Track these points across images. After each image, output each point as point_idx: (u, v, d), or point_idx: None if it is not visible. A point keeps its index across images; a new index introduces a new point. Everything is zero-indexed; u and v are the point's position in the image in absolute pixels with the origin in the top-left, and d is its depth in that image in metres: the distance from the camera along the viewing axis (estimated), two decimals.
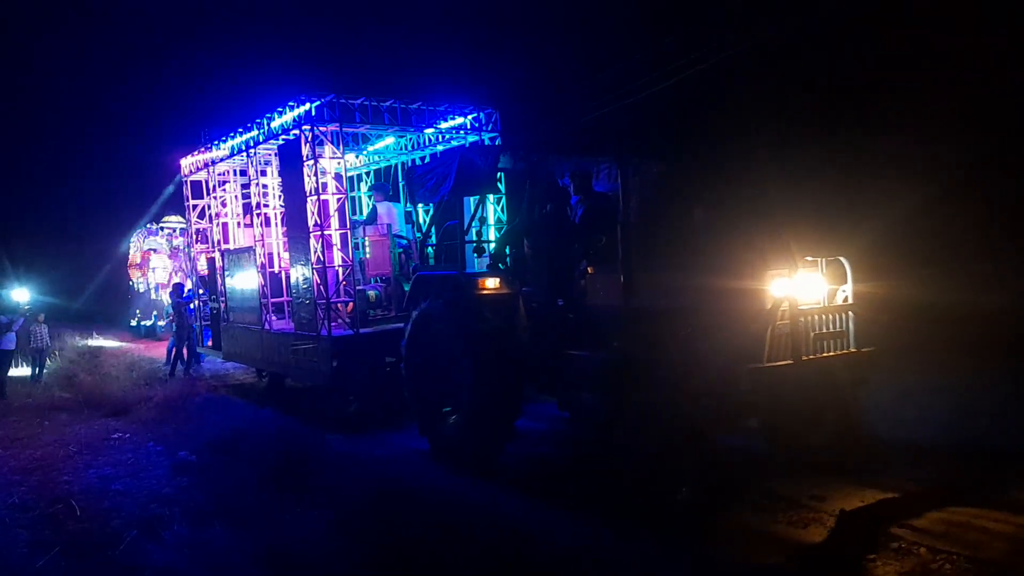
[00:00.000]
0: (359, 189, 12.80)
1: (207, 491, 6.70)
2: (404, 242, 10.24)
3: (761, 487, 5.56)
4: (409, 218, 11.50)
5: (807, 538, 4.78)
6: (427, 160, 9.64)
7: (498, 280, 7.01)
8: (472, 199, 7.84)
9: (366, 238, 10.26)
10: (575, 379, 6.66)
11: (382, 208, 10.77)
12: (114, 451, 8.52)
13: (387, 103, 9.31)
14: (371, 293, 9.84)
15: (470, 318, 6.89)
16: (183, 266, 25.81)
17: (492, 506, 5.99)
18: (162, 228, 26.87)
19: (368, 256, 10.13)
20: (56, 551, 5.40)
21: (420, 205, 9.08)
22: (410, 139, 11.33)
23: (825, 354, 5.30)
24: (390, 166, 12.57)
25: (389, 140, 11.43)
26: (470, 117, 10.18)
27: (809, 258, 5.29)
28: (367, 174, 12.86)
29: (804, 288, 5.22)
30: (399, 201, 11.57)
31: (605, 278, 6.48)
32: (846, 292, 5.50)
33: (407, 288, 10.01)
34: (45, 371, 14.51)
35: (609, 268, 6.46)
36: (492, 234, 10.19)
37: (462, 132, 10.30)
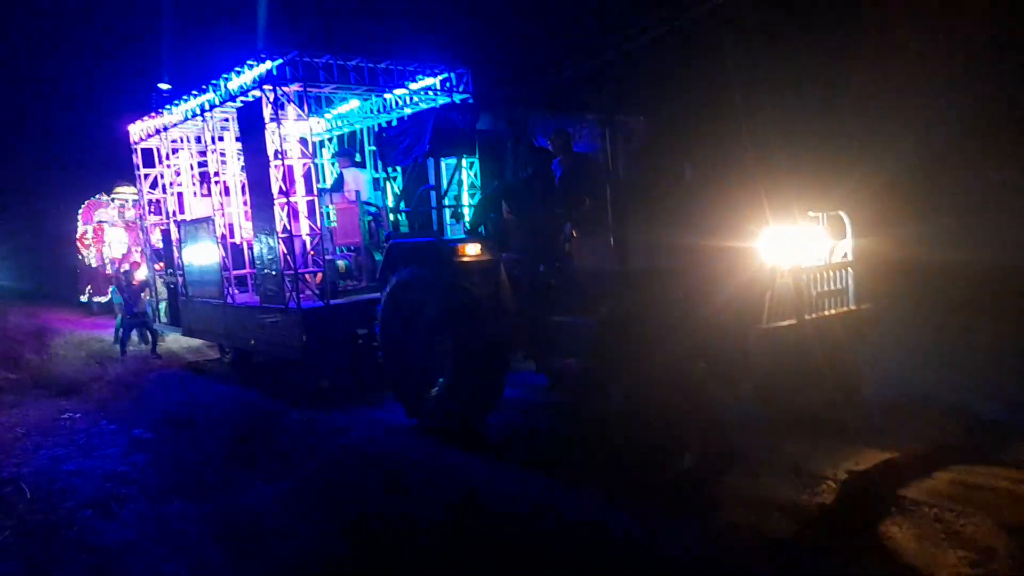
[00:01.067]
0: (322, 156, 12.26)
1: (164, 467, 6.59)
2: (374, 210, 9.82)
3: (760, 452, 5.40)
4: (377, 185, 11.09)
5: (815, 503, 4.63)
6: (398, 122, 9.17)
7: (479, 246, 6.70)
8: (449, 162, 7.46)
9: (332, 206, 9.81)
10: (561, 345, 6.42)
11: (348, 175, 10.31)
12: (66, 431, 8.21)
13: (353, 62, 8.81)
14: (341, 263, 9.43)
15: (450, 287, 6.59)
16: (139, 238, 24.91)
17: (472, 475, 5.82)
18: (113, 199, 25.86)
19: (335, 225, 9.68)
20: (6, 534, 5.25)
21: (390, 171, 8.63)
22: (376, 102, 10.82)
23: (826, 312, 5.13)
24: (354, 132, 12.04)
25: (354, 104, 10.91)
26: (440, 77, 9.72)
27: (811, 213, 5.08)
28: (330, 140, 12.31)
29: (806, 245, 5.02)
30: (365, 167, 11.12)
31: (592, 241, 6.22)
32: (845, 248, 5.32)
33: (379, 257, 9.68)
34: None
35: (595, 231, 6.21)
36: (466, 199, 9.83)
37: (431, 93, 9.84)
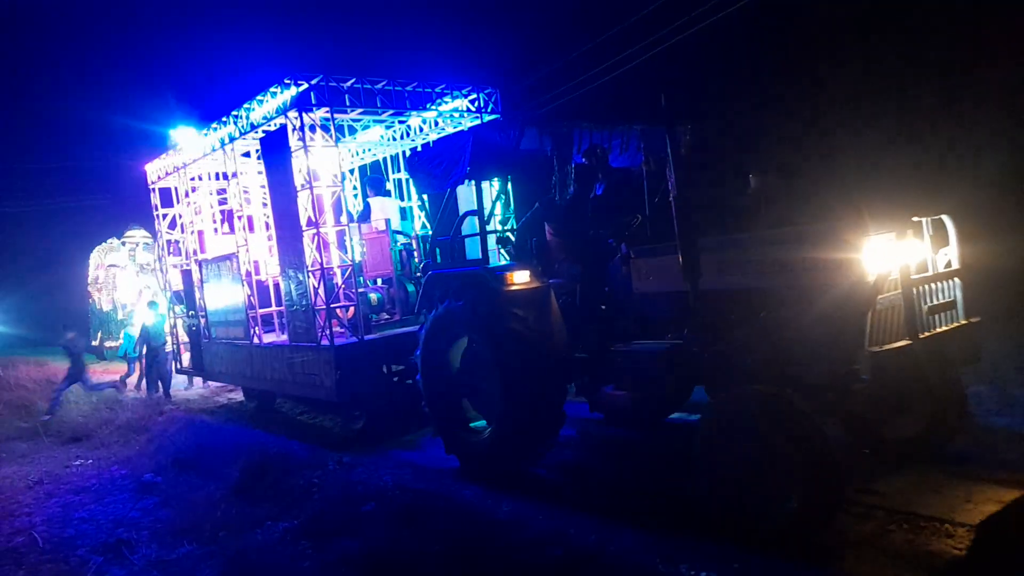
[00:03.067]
0: (343, 186, 11.86)
1: (175, 510, 6.57)
2: (405, 239, 9.36)
3: (862, 488, 4.80)
4: (404, 214, 10.67)
5: (942, 553, 4.02)
6: (430, 146, 8.76)
7: (527, 273, 6.19)
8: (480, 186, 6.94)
9: (361, 237, 9.37)
10: (623, 377, 5.90)
11: (376, 204, 9.88)
12: (76, 478, 8.23)
13: (379, 85, 8.41)
14: (373, 296, 8.94)
15: (499, 318, 6.06)
16: (148, 282, 24.68)
17: (525, 522, 5.26)
18: (124, 243, 25.74)
19: (365, 256, 9.23)
20: None
21: (425, 198, 8.18)
22: (399, 129, 10.45)
23: (938, 329, 4.57)
24: (376, 161, 11.67)
25: (375, 132, 10.54)
26: (467, 100, 9.31)
27: (915, 218, 4.54)
28: (350, 172, 11.94)
29: (911, 254, 4.48)
30: (390, 196, 10.71)
31: (652, 261, 5.72)
32: (948, 256, 4.78)
33: (411, 288, 9.23)
34: None
35: (655, 250, 5.72)
36: (496, 224, 9.37)
37: (457, 115, 9.44)
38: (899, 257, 4.36)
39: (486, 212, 6.95)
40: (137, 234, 26.26)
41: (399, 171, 10.96)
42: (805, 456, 4.18)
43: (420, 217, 10.95)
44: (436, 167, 6.50)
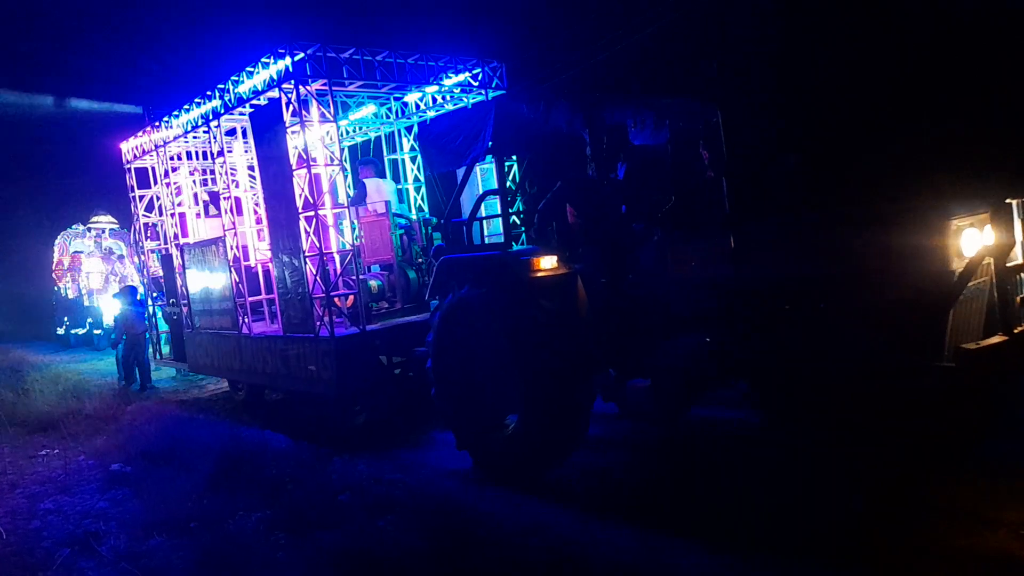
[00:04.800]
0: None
1: (145, 501, 6.37)
2: (405, 222, 8.82)
3: (932, 493, 4.45)
4: (400, 196, 10.12)
5: None
6: (445, 119, 8.19)
7: (554, 258, 5.71)
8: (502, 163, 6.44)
9: (357, 220, 8.80)
10: (658, 371, 5.48)
11: (371, 185, 9.31)
12: (42, 468, 7.99)
13: (380, 56, 7.82)
14: (373, 283, 8.39)
15: (521, 307, 5.58)
16: (115, 269, 23.91)
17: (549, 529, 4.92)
18: (90, 229, 24.93)
19: (362, 240, 8.67)
20: None
21: (414, 181, 7.63)
22: (394, 107, 9.87)
23: None
24: (368, 141, 11.07)
25: (368, 109, 9.95)
26: (466, 74, 8.74)
27: (1008, 200, 4.13)
28: (342, 150, 11.29)
29: (1002, 239, 4.07)
30: (385, 177, 10.13)
31: (692, 247, 5.28)
32: None
33: (412, 276, 8.71)
34: None
35: (687, 235, 5.29)
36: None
37: (458, 90, 8.88)
38: (991, 243, 3.96)
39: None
40: (103, 219, 25.48)
41: (394, 151, 10.37)
42: (867, 453, 3.79)
43: (416, 199, 10.41)
44: (452, 141, 5.98)
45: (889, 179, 4.09)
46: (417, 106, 9.63)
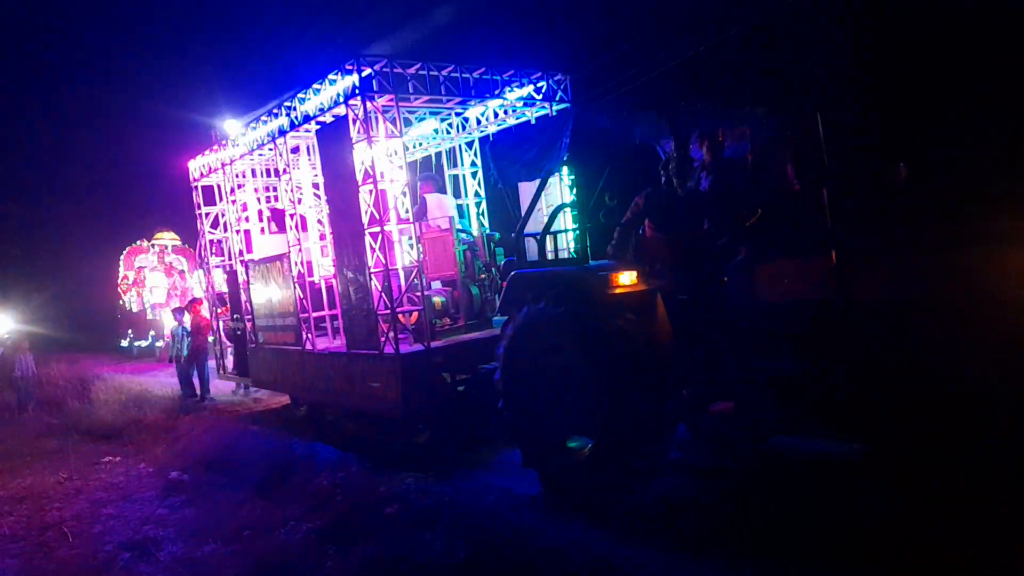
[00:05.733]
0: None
1: (201, 509, 6.62)
2: (469, 238, 8.70)
3: None
4: (461, 212, 10.01)
5: None
6: (517, 131, 8.09)
7: (634, 275, 5.49)
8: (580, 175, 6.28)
9: (416, 236, 8.72)
10: (756, 397, 5.19)
11: (432, 200, 9.24)
12: (105, 475, 8.32)
13: (446, 71, 7.75)
14: (437, 299, 8.29)
15: (601, 324, 5.37)
16: (177, 284, 24.57)
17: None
18: (154, 245, 25.72)
19: (422, 256, 8.57)
20: None
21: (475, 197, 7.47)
22: (453, 122, 9.80)
23: None
24: (428, 156, 11.03)
25: (431, 124, 9.90)
26: (530, 88, 8.58)
27: None
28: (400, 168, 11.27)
29: None
30: (445, 192, 10.05)
31: (784, 265, 4.99)
32: None
33: (475, 292, 8.58)
34: (32, 400, 13.63)
35: (780, 252, 5.00)
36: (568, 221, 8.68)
37: (521, 104, 8.73)
38: None
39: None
40: (166, 236, 26.26)
41: (455, 167, 10.30)
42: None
43: (477, 215, 10.29)
44: (525, 152, 5.83)
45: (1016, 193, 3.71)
46: (478, 121, 9.54)
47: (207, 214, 11.09)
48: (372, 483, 6.60)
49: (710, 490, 5.91)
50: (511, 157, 6.07)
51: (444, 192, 9.89)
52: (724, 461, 6.33)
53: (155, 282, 25.06)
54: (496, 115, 9.20)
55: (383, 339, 7.50)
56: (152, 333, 23.92)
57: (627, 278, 5.44)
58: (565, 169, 6.00)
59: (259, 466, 7.43)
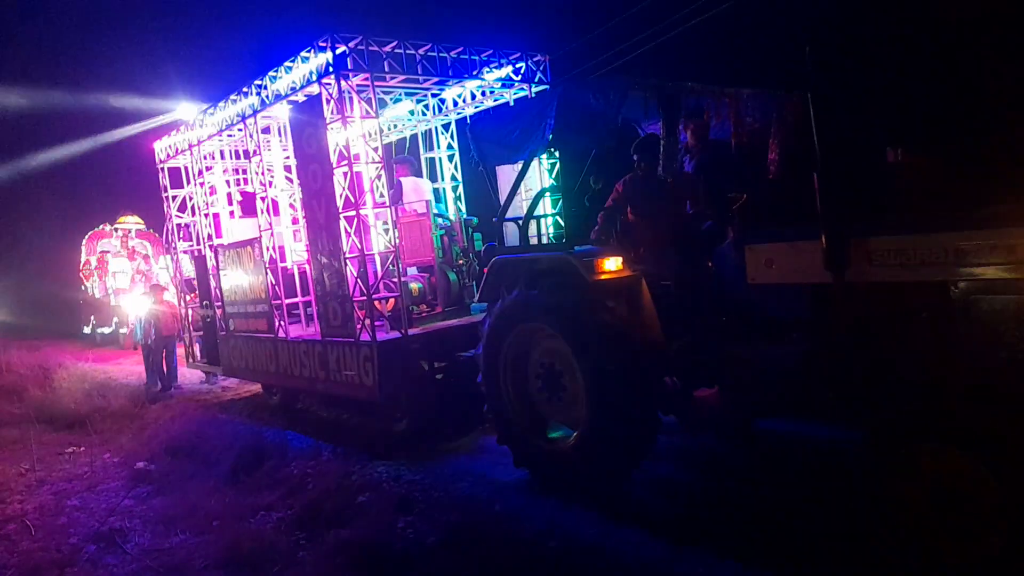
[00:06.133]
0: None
1: (168, 498, 6.52)
2: (446, 223, 8.51)
3: None
4: (438, 195, 9.82)
5: None
6: (500, 111, 7.88)
7: (619, 260, 5.37)
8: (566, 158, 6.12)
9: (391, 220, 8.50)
10: (739, 382, 5.13)
11: (408, 184, 9.02)
12: (68, 465, 8.11)
13: (423, 50, 7.52)
14: (414, 285, 8.11)
15: (586, 311, 5.26)
16: (140, 268, 24.01)
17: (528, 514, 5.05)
18: (117, 229, 25.09)
19: (400, 241, 8.37)
20: (10, 572, 5.21)
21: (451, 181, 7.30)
22: (429, 103, 9.57)
23: None
24: (403, 139, 10.78)
25: (406, 105, 9.66)
26: (508, 68, 8.37)
27: None
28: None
29: None
30: (422, 175, 9.84)
31: (777, 247, 4.91)
32: None
33: (452, 277, 8.41)
34: None
35: (772, 234, 4.92)
36: (548, 206, 8.54)
37: (499, 85, 8.53)
38: None
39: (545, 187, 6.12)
40: (130, 220, 25.61)
41: (431, 149, 10.08)
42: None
43: (453, 200, 10.10)
44: (508, 134, 5.65)
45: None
46: (455, 102, 9.32)
47: (174, 197, 10.73)
48: (345, 471, 6.60)
49: (695, 475, 5.87)
50: (493, 138, 5.89)
51: (420, 175, 9.68)
52: (709, 446, 6.30)
53: (118, 267, 24.46)
54: (473, 96, 9.00)
55: (359, 326, 7.31)
56: (116, 320, 23.36)
57: (613, 264, 5.32)
58: (545, 152, 5.82)
59: (228, 454, 7.33)
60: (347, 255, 7.28)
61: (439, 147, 10.00)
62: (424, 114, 9.78)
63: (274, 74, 7.83)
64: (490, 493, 5.76)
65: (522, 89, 8.52)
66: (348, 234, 7.23)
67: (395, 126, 10.58)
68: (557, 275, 5.45)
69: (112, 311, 23.52)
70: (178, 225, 10.83)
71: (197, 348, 11.21)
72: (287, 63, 7.56)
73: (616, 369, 5.15)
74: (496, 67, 8.25)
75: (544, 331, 5.62)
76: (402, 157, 9.52)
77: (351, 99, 7.06)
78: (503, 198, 6.21)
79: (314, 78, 7.23)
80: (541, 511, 5.28)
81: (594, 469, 5.42)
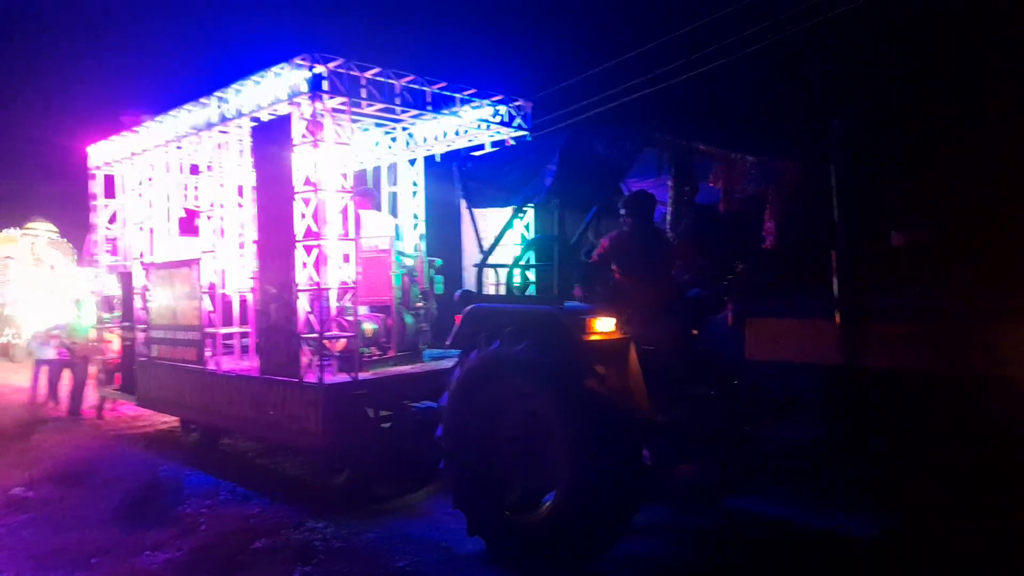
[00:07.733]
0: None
1: (45, 530, 6.18)
2: (409, 262, 8.03)
3: None
4: (397, 233, 9.31)
5: None
6: (495, 152, 7.54)
7: (612, 321, 5.03)
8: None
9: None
10: (717, 456, 4.85)
11: (368, 218, 8.50)
12: None
13: (405, 80, 7.13)
14: (368, 326, 7.53)
15: (573, 372, 4.87)
16: (44, 279, 22.41)
17: None
18: (24, 234, 23.43)
19: (359, 278, 7.81)
20: None
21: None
22: (398, 136, 9.17)
23: None
24: (363, 171, 10.27)
25: (373, 135, 9.22)
26: (489, 109, 8.06)
27: None
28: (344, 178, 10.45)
29: None
30: (380, 211, 9.33)
31: (782, 324, 4.68)
32: None
33: (409, 321, 7.91)
34: None
35: (777, 308, 4.71)
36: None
37: (475, 126, 8.22)
38: None
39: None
40: (40, 226, 23.97)
41: (393, 184, 9.61)
42: None
43: (413, 239, 9.62)
44: (503, 176, 5.29)
45: None
46: (424, 138, 8.94)
47: (105, 206, 9.83)
48: (243, 514, 6.44)
49: (673, 551, 5.48)
50: (485, 178, 5.52)
51: (379, 210, 9.18)
52: (686, 522, 5.94)
53: (19, 275, 22.74)
54: (446, 135, 8.65)
55: (306, 365, 6.68)
56: (10, 331, 21.53)
57: (605, 324, 4.98)
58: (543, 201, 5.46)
59: (119, 487, 7.06)
60: (299, 287, 6.69)
61: (400, 183, 9.55)
62: (390, 147, 9.35)
63: (239, 87, 7.26)
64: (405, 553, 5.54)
65: (497, 133, 8.23)
66: (304, 265, 6.65)
67: (355, 157, 10.08)
68: (542, 330, 5.06)
69: (4, 320, 21.75)
70: (106, 238, 9.90)
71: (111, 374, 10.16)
72: (255, 77, 7.02)
73: (601, 434, 4.76)
74: (475, 107, 7.94)
75: (526, 389, 5.19)
76: (364, 189, 9.00)
77: (324, 123, 6.58)
78: (485, 243, 5.81)
79: (285, 97, 6.73)
80: None
81: (569, 542, 4.96)
